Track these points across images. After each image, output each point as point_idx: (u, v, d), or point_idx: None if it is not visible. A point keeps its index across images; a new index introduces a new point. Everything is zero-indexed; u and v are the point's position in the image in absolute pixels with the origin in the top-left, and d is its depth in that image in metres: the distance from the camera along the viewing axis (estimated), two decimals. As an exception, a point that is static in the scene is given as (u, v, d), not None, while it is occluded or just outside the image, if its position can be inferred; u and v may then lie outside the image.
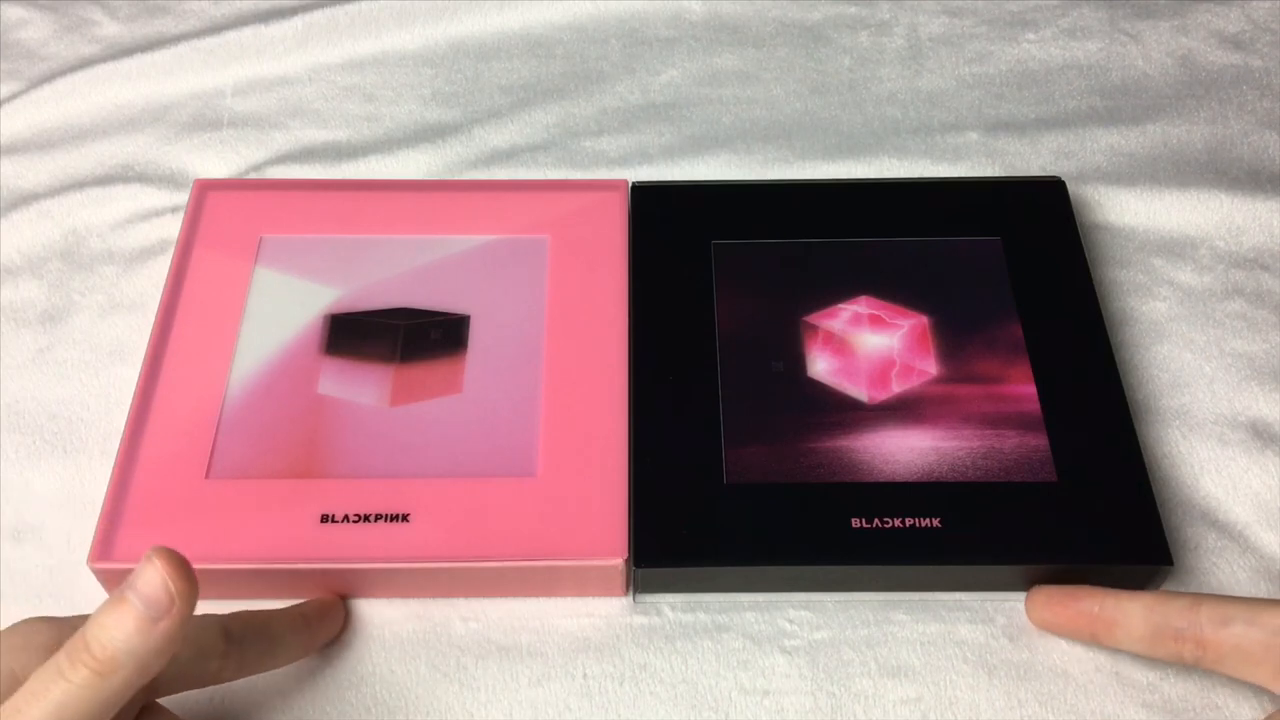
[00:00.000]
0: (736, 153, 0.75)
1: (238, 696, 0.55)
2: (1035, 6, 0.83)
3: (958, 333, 0.63)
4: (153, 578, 0.40)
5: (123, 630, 0.40)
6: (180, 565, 0.41)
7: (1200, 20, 0.82)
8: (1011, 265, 0.65)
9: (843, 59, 0.81)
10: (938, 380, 0.62)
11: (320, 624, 0.55)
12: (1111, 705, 0.54)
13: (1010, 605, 0.57)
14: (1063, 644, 0.56)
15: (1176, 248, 0.70)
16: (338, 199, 0.69)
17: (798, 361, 0.62)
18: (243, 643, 0.49)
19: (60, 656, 0.41)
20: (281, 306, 0.64)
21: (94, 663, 0.40)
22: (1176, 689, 0.55)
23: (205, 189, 0.69)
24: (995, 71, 0.80)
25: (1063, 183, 0.69)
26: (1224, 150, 0.74)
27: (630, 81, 0.80)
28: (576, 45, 0.82)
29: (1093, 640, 0.54)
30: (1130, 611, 0.52)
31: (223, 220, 0.68)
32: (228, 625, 0.49)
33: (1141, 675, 0.55)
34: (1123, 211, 0.71)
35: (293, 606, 0.54)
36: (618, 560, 0.56)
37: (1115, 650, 0.55)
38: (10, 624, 0.46)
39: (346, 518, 0.57)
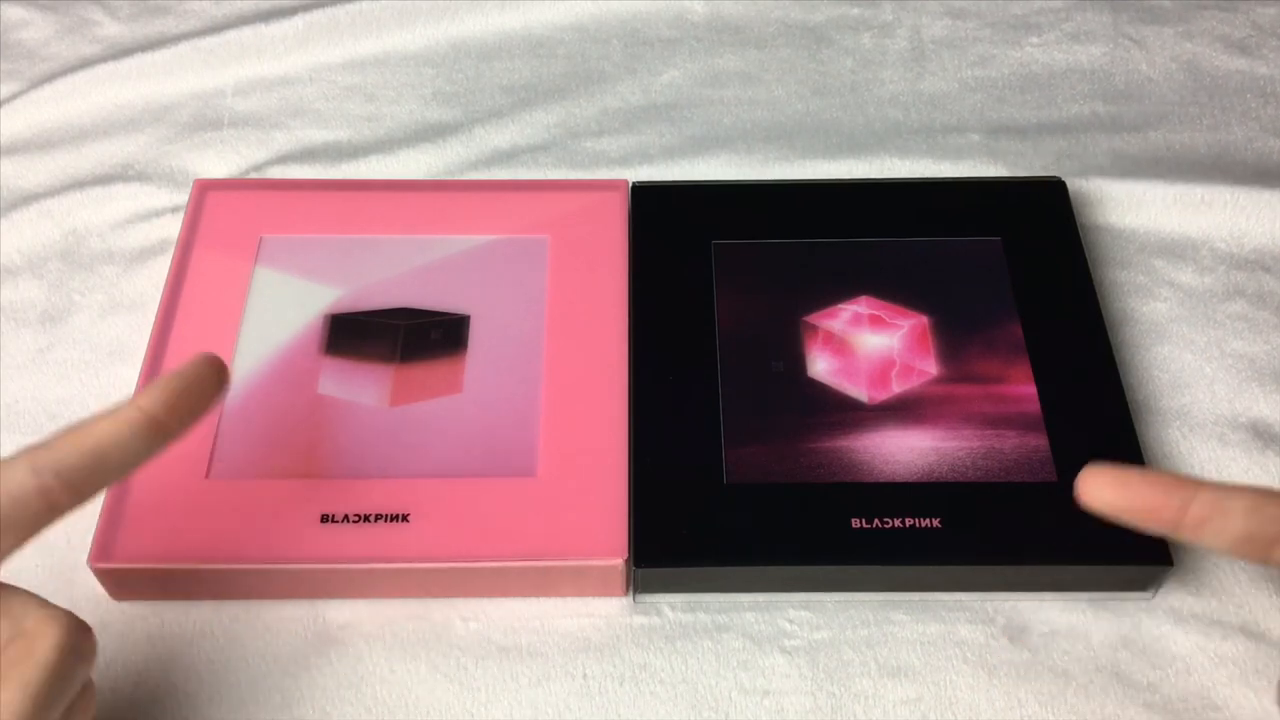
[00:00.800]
0: (737, 153, 0.75)
1: (236, 695, 0.55)
2: (1039, 10, 0.83)
3: (958, 333, 0.63)
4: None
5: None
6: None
7: (1205, 25, 0.82)
8: (1011, 265, 0.65)
9: (845, 60, 0.81)
10: (938, 380, 0.62)
11: (172, 413, 0.45)
12: (1111, 705, 0.54)
13: (1010, 605, 0.57)
14: (1063, 644, 0.56)
15: (1177, 249, 0.70)
16: (338, 199, 0.69)
17: (798, 361, 0.62)
18: (61, 472, 0.43)
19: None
20: (281, 306, 0.64)
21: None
22: (1177, 689, 0.55)
23: (205, 189, 0.69)
24: (998, 75, 0.80)
25: (1063, 183, 0.69)
26: (1227, 155, 0.74)
27: (631, 82, 0.80)
28: (578, 45, 0.82)
29: (1169, 531, 0.45)
30: (1230, 509, 0.44)
31: (223, 220, 0.68)
32: (34, 461, 0.43)
33: (1142, 675, 0.55)
34: (1124, 212, 0.71)
35: (130, 404, 0.45)
36: (618, 560, 0.56)
37: (1194, 544, 0.47)
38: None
39: (346, 518, 0.57)
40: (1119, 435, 0.59)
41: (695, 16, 0.83)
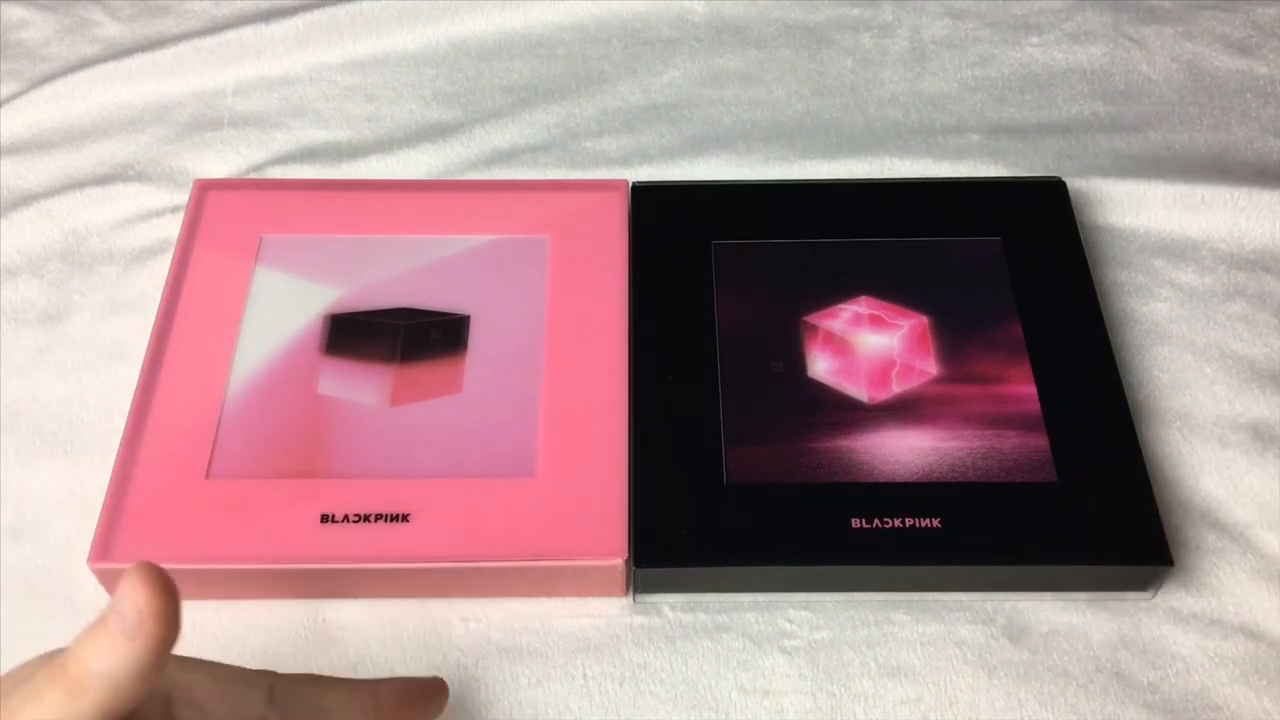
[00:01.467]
0: (737, 153, 0.75)
1: (236, 695, 0.55)
2: (1039, 10, 0.83)
3: (958, 333, 0.63)
4: (125, 594, 0.37)
5: (95, 649, 0.38)
6: (154, 581, 0.37)
7: (1205, 26, 0.82)
8: (1012, 265, 0.65)
9: (845, 61, 0.81)
10: (938, 380, 0.62)
11: (402, 713, 0.48)
12: (1112, 705, 0.54)
13: (1010, 605, 0.57)
14: (1063, 644, 0.56)
15: (1178, 249, 0.70)
16: (338, 199, 0.69)
17: (798, 361, 0.62)
18: (288, 710, 0.44)
19: (40, 676, 0.39)
20: (282, 306, 0.64)
21: (66, 681, 0.38)
22: (1177, 689, 0.55)
23: (205, 189, 0.69)
24: (998, 75, 0.80)
25: (1063, 183, 0.69)
26: (1227, 155, 0.74)
27: (632, 82, 0.80)
28: (578, 45, 0.82)
29: None
30: None
31: (223, 220, 0.68)
32: (274, 686, 0.44)
33: (1142, 675, 0.55)
34: (1124, 212, 0.71)
35: (367, 682, 0.48)
36: (618, 560, 0.56)
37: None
38: (10, 627, 0.45)
39: (346, 518, 0.57)
40: (1119, 435, 0.59)
41: (695, 17, 0.83)
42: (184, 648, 0.56)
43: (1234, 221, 0.70)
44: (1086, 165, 0.73)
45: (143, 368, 0.62)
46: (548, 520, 0.57)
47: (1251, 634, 0.56)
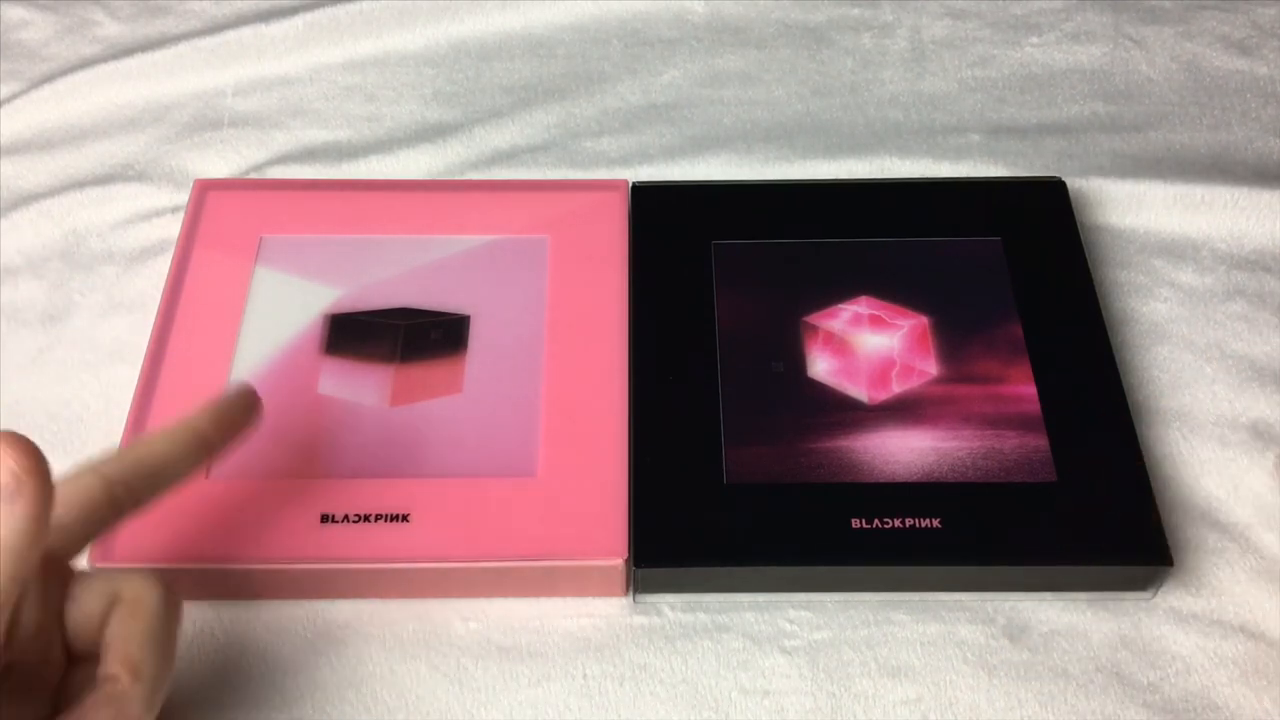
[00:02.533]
0: (738, 154, 0.75)
1: (236, 695, 0.55)
2: (1039, 10, 0.83)
3: (958, 333, 0.63)
4: None
5: None
6: (19, 444, 0.41)
7: (1205, 26, 0.82)
8: (1012, 265, 0.65)
9: (845, 61, 0.81)
10: (938, 380, 0.62)
11: (219, 432, 0.52)
12: (1112, 706, 0.54)
13: (1010, 605, 0.57)
14: (1063, 644, 0.56)
15: (1178, 249, 0.70)
16: (338, 199, 0.69)
17: (798, 362, 0.62)
18: (130, 484, 0.48)
19: None
20: (282, 306, 0.64)
21: None
22: (1177, 689, 0.55)
23: (205, 189, 0.69)
24: (998, 75, 0.80)
25: (1063, 182, 0.69)
26: (1227, 155, 0.74)
27: (632, 82, 0.80)
28: (578, 45, 0.82)
29: None
30: None
31: (223, 220, 0.68)
32: (107, 475, 0.48)
33: (1142, 675, 0.55)
34: (1124, 212, 0.71)
35: (183, 422, 0.51)
36: (618, 560, 0.56)
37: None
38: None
39: (346, 518, 0.57)
40: (1119, 435, 0.59)
41: (695, 17, 0.83)
42: (183, 647, 0.57)
43: (1234, 221, 0.70)
44: (1086, 165, 0.74)
45: (143, 368, 0.62)
46: (548, 520, 0.57)
47: (1251, 634, 0.56)
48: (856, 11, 0.84)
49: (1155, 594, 0.57)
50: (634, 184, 0.69)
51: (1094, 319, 0.63)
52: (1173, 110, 0.77)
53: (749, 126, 0.77)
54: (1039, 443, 0.59)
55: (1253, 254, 0.69)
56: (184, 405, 0.59)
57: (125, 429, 0.59)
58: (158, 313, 0.64)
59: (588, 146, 0.76)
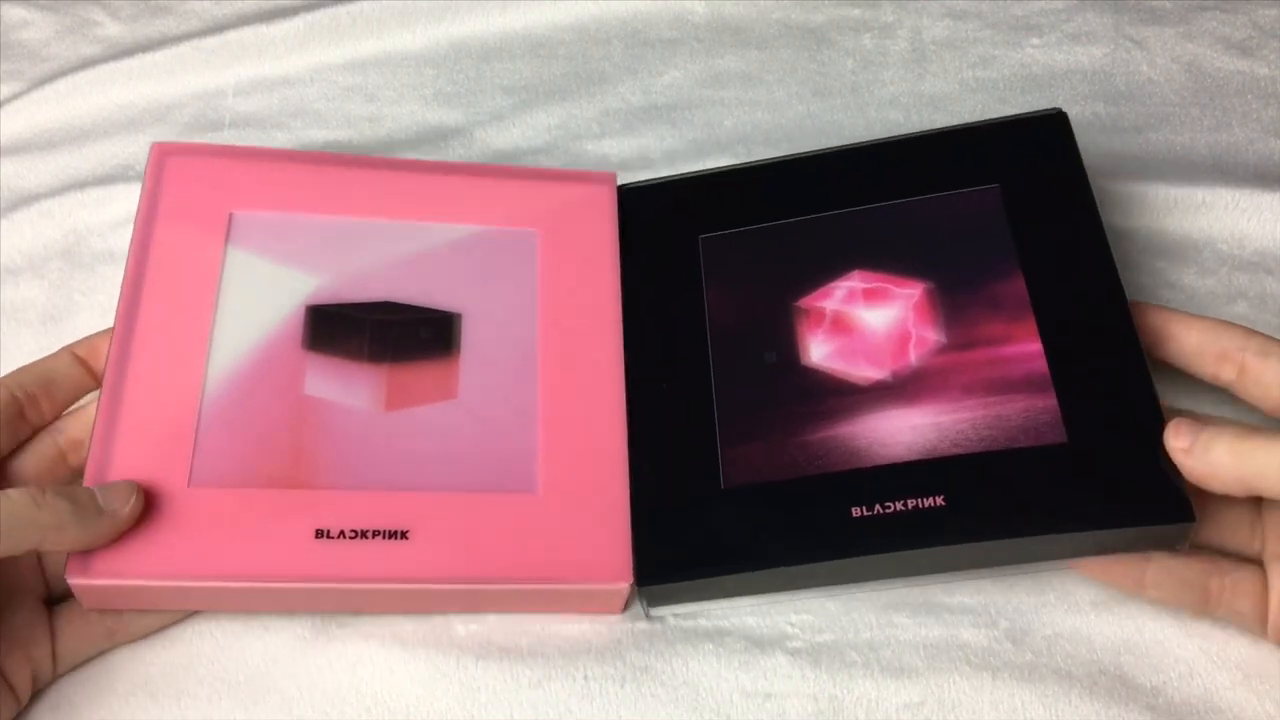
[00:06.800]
0: (738, 155, 0.75)
1: (236, 695, 0.55)
2: (1040, 10, 0.83)
3: (959, 297, 0.60)
4: None
5: None
6: None
7: (1206, 26, 0.82)
8: (1011, 214, 0.61)
9: (846, 61, 0.81)
10: (940, 350, 0.59)
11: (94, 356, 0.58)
12: (1115, 709, 0.54)
13: (1013, 607, 0.57)
14: (1066, 646, 0.56)
15: (1179, 251, 0.70)
16: (313, 173, 0.64)
17: (792, 350, 0.60)
18: (24, 385, 0.54)
19: None
20: (258, 294, 0.60)
21: None
22: (1180, 692, 0.55)
23: (165, 154, 0.62)
24: (999, 76, 0.80)
25: (1064, 115, 0.64)
26: (1228, 156, 0.74)
27: (632, 83, 0.80)
28: (579, 46, 0.82)
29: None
30: (1185, 327, 0.57)
31: (187, 191, 0.61)
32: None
33: (1145, 679, 0.55)
34: (1125, 214, 0.71)
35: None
36: (623, 585, 0.55)
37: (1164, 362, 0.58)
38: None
39: (343, 534, 0.54)
40: (1132, 386, 0.55)
41: (696, 17, 0.83)
42: (183, 645, 0.57)
43: (1235, 223, 0.70)
44: (1086, 166, 0.73)
45: (109, 357, 0.57)
46: (550, 541, 0.56)
47: (1254, 638, 0.56)
48: (857, 12, 0.84)
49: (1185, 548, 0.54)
50: (619, 186, 0.67)
51: (1104, 264, 0.59)
52: (1173, 111, 0.77)
53: (750, 127, 0.77)
54: (1047, 403, 0.56)
55: (1254, 256, 0.69)
56: (158, 404, 0.56)
57: (94, 432, 0.55)
58: (120, 298, 0.58)
59: (589, 148, 0.76)
